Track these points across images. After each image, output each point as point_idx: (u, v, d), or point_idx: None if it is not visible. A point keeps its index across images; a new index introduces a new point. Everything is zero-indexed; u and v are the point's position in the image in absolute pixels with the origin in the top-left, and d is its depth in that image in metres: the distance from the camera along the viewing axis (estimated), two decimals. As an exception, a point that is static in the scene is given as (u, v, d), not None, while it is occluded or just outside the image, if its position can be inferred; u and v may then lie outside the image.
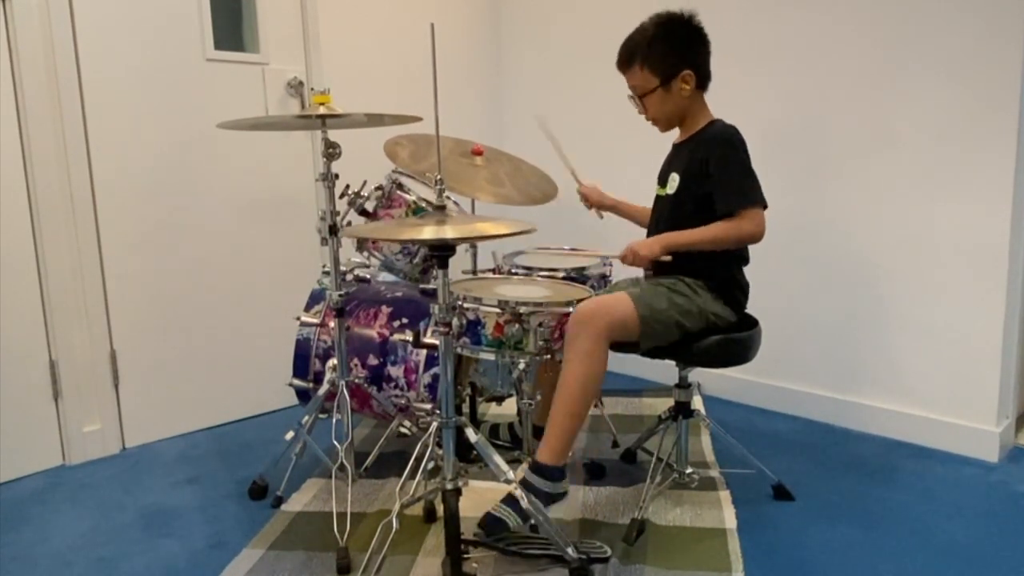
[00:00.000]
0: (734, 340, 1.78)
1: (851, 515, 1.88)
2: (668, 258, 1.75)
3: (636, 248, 1.75)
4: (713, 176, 1.74)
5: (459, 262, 1.95)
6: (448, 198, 1.83)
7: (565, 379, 1.65)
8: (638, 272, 1.95)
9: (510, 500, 1.64)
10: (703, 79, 1.82)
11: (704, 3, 2.69)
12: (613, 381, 2.89)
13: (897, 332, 2.33)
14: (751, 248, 1.84)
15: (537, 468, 1.65)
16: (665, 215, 1.86)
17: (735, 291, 1.82)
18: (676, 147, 1.91)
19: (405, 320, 2.08)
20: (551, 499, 1.65)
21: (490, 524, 1.64)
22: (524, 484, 1.63)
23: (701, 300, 1.76)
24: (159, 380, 2.46)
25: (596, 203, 2.11)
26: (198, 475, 2.20)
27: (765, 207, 1.75)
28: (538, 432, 2.16)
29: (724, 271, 1.79)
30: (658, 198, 1.91)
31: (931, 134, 2.19)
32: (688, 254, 1.76)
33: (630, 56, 1.81)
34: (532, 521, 1.62)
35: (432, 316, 1.62)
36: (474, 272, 2.23)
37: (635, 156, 2.42)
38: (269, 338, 2.64)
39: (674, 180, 1.84)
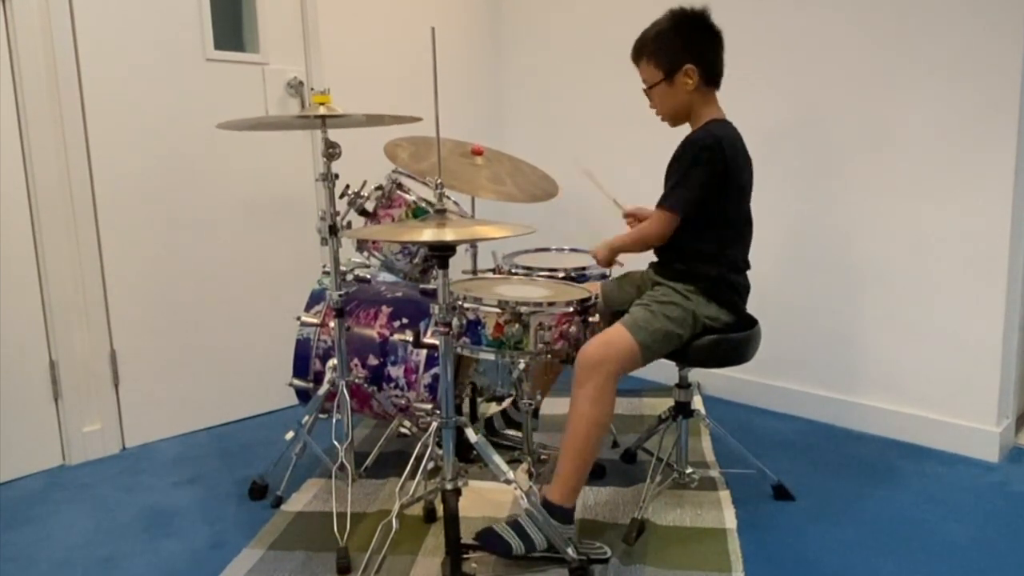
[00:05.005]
0: (729, 340, 1.78)
1: (851, 515, 1.88)
2: (621, 263, 1.87)
3: (594, 253, 1.91)
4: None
5: (459, 262, 1.95)
6: (448, 197, 1.83)
7: (575, 423, 1.64)
8: (633, 267, 1.98)
9: (516, 525, 1.63)
10: (710, 75, 1.79)
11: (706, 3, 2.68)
12: (613, 381, 2.89)
13: (897, 332, 2.33)
14: (751, 250, 1.83)
15: (546, 505, 1.62)
16: None
17: (728, 292, 1.79)
18: None
19: (405, 320, 2.08)
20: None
21: (490, 540, 1.63)
22: (531, 517, 1.61)
23: (693, 304, 1.74)
24: (159, 380, 2.46)
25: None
26: (198, 475, 2.20)
27: (678, 215, 1.74)
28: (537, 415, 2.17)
29: (714, 272, 1.76)
30: None
31: (931, 134, 2.19)
32: (671, 259, 1.81)
33: (640, 49, 1.83)
34: (536, 552, 1.61)
35: (432, 316, 1.61)
36: (474, 272, 2.23)
37: (635, 156, 2.41)
38: (269, 338, 2.64)
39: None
